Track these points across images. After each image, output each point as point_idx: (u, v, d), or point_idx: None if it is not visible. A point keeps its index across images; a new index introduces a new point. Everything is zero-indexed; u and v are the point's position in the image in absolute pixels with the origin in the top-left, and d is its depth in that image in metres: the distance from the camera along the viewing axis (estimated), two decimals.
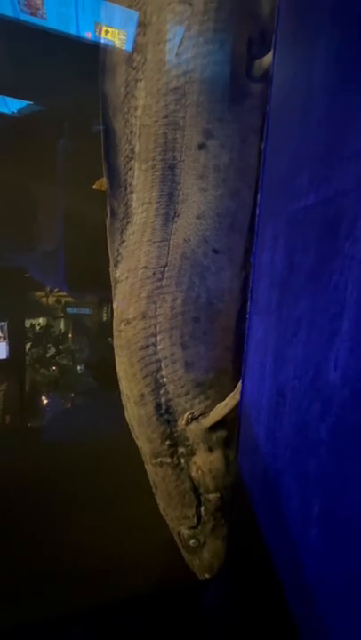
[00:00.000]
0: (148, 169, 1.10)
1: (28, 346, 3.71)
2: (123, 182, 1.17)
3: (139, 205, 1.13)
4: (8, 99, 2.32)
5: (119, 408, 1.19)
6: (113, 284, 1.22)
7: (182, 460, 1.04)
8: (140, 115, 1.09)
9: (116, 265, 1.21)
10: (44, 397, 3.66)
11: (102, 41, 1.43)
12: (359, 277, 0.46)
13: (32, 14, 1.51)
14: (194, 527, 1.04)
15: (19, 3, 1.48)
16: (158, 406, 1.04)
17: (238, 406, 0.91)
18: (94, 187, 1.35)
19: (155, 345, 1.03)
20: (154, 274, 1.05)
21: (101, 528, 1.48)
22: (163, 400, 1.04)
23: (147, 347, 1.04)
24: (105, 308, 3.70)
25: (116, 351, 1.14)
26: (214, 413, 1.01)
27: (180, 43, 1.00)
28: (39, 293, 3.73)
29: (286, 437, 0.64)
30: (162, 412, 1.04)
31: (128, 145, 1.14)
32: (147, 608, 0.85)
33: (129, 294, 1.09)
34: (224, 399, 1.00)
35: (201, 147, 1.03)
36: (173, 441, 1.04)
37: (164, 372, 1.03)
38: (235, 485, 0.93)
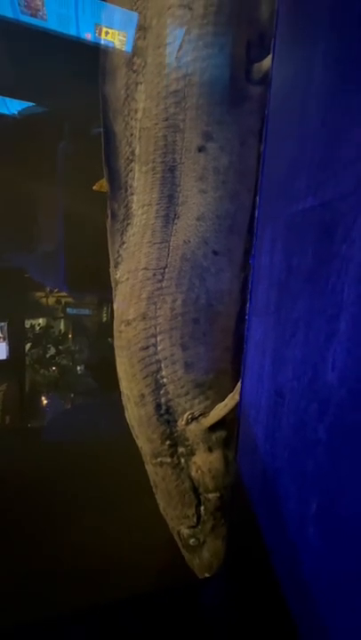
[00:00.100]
0: (148, 171, 1.11)
1: (27, 346, 3.71)
2: (123, 184, 1.18)
3: (139, 207, 1.14)
4: (8, 100, 2.32)
5: (119, 408, 1.20)
6: (113, 285, 1.23)
7: (182, 460, 1.05)
8: (141, 117, 1.10)
9: (116, 266, 1.22)
10: (43, 398, 3.66)
11: (102, 42, 1.44)
12: (356, 279, 0.47)
13: (32, 15, 1.52)
14: (194, 526, 1.05)
15: (19, 4, 1.49)
16: (158, 406, 1.05)
17: (238, 407, 0.92)
18: (94, 188, 1.36)
19: (155, 346, 1.04)
20: (154, 275, 1.06)
21: (101, 528, 1.48)
22: (163, 400, 1.04)
23: (147, 347, 1.04)
24: (105, 308, 3.71)
25: (117, 352, 1.14)
26: (214, 414, 1.01)
27: (180, 46, 1.01)
28: (39, 294, 3.73)
29: (285, 437, 0.64)
30: (162, 412, 1.05)
31: (128, 147, 1.15)
32: (147, 607, 0.85)
33: (129, 295, 1.10)
34: (224, 400, 1.01)
35: (201, 149, 1.04)
36: (173, 441, 1.05)
37: (164, 373, 1.04)
38: (234, 485, 0.93)
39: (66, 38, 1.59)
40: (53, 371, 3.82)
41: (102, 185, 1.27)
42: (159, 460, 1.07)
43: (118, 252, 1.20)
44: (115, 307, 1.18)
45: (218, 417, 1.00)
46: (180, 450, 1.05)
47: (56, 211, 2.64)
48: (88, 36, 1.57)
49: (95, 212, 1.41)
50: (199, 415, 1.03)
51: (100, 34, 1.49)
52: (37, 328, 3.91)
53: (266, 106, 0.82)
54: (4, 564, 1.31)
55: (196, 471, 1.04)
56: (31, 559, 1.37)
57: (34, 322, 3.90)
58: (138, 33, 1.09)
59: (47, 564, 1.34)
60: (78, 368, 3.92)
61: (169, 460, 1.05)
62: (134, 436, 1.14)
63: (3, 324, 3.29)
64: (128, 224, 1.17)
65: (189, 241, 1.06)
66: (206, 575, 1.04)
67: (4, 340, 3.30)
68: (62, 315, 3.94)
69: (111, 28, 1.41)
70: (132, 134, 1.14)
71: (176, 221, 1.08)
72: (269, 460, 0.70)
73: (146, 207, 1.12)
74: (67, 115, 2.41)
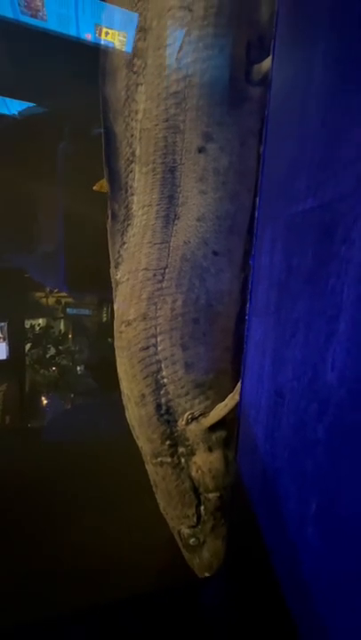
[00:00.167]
0: (148, 172, 1.11)
1: (27, 346, 3.71)
2: (123, 185, 1.18)
3: (139, 208, 1.14)
4: (8, 100, 2.32)
5: (119, 408, 1.20)
6: (114, 285, 1.23)
7: (182, 460, 1.05)
8: (141, 118, 1.10)
9: (116, 267, 1.22)
10: (43, 398, 3.66)
11: (102, 43, 1.44)
12: (356, 280, 0.47)
13: (32, 16, 1.52)
14: (194, 526, 1.05)
15: (19, 4, 1.49)
16: (159, 406, 1.05)
17: (238, 407, 0.92)
18: (95, 188, 1.37)
19: (155, 346, 1.04)
20: (154, 275, 1.06)
21: (101, 528, 1.48)
22: (163, 400, 1.05)
23: (147, 348, 1.05)
24: (105, 308, 3.71)
25: (117, 352, 1.15)
26: (214, 414, 1.02)
27: (180, 47, 1.01)
28: (39, 294, 3.73)
29: (285, 437, 0.64)
30: (162, 412, 1.05)
31: (129, 148, 1.15)
32: (147, 607, 0.86)
33: (129, 296, 1.10)
34: (224, 400, 1.01)
35: (201, 150, 1.04)
36: (173, 441, 1.05)
37: (164, 373, 1.04)
38: (234, 485, 0.94)
39: (66, 39, 1.59)
40: (53, 371, 3.82)
41: (102, 185, 1.28)
42: (159, 459, 1.07)
43: (119, 252, 1.21)
44: (115, 307, 1.18)
45: (218, 417, 1.00)
46: (181, 450, 1.05)
47: (56, 211, 2.65)
48: (88, 37, 1.57)
49: (95, 212, 1.41)
50: (199, 415, 1.03)
51: (100, 34, 1.49)
52: (37, 328, 3.91)
53: (266, 107, 0.82)
54: (4, 564, 1.31)
55: (197, 471, 1.04)
56: (31, 559, 1.37)
57: (34, 322, 3.90)
58: (138, 34, 1.09)
59: (47, 564, 1.34)
60: (78, 368, 3.92)
61: (169, 459, 1.06)
62: (135, 436, 1.15)
63: (3, 324, 3.29)
64: (128, 225, 1.18)
65: (189, 241, 1.06)
66: (206, 575, 1.05)
67: (4, 340, 3.30)
68: (62, 315, 3.94)
69: (111, 29, 1.42)
70: (132, 135, 1.14)
71: (176, 222, 1.08)
72: (269, 459, 0.70)
73: (146, 208, 1.12)
74: (67, 115, 2.41)
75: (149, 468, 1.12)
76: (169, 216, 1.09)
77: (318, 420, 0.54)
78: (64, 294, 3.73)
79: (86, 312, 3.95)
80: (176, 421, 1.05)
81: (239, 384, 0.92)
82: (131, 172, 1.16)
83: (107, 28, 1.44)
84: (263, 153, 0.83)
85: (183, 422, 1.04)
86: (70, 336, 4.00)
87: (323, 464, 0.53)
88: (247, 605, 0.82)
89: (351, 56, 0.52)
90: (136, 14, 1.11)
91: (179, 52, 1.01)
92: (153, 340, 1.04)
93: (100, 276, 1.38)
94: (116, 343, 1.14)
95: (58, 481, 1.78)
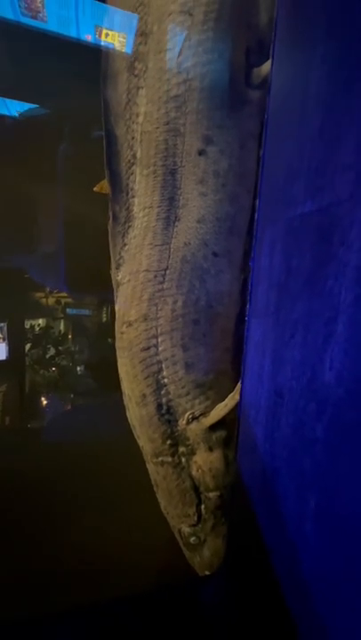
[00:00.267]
0: (149, 174, 1.12)
1: (27, 347, 3.71)
2: (124, 187, 1.19)
3: (140, 210, 1.15)
4: (8, 100, 2.33)
5: (119, 408, 1.21)
6: (115, 286, 1.24)
7: (183, 460, 1.06)
8: (142, 121, 1.11)
9: (117, 268, 1.23)
10: (43, 398, 3.66)
11: (102, 44, 1.45)
12: (353, 282, 0.48)
13: (32, 17, 1.52)
14: (194, 525, 1.06)
15: (19, 6, 1.50)
16: (159, 406, 1.06)
17: (238, 406, 0.93)
18: (95, 189, 1.37)
19: (156, 346, 1.05)
20: (155, 277, 1.07)
21: (101, 528, 1.48)
22: (164, 400, 1.05)
23: (148, 348, 1.06)
24: (104, 309, 3.71)
25: (118, 353, 1.15)
26: (214, 413, 1.02)
27: (181, 52, 1.02)
28: (39, 294, 3.73)
29: (284, 437, 0.65)
30: (163, 412, 1.06)
31: (130, 151, 1.16)
32: (147, 605, 0.86)
33: (130, 297, 1.11)
34: (224, 400, 1.02)
35: (201, 153, 1.05)
36: (174, 440, 1.06)
37: (165, 373, 1.05)
38: (234, 484, 0.94)
39: (66, 40, 1.60)
40: (53, 371, 3.82)
41: (103, 186, 1.28)
42: (160, 459, 1.08)
43: (120, 253, 1.21)
44: (116, 308, 1.19)
45: (218, 417, 1.01)
46: (181, 449, 1.06)
47: (56, 211, 2.65)
48: (88, 38, 1.57)
49: (95, 213, 1.42)
50: (200, 415, 1.04)
51: (100, 35, 1.50)
52: (37, 328, 3.91)
53: (265, 110, 0.83)
54: (4, 564, 1.32)
55: (197, 470, 1.05)
56: (31, 559, 1.37)
57: (34, 322, 3.90)
58: (139, 38, 1.10)
59: (47, 564, 1.34)
60: (78, 368, 3.92)
61: (170, 459, 1.06)
62: (136, 436, 1.15)
63: (2, 324, 3.29)
64: (129, 226, 1.19)
65: (190, 243, 1.07)
66: (207, 573, 1.05)
67: (4, 340, 3.30)
68: (62, 315, 3.94)
69: (111, 30, 1.42)
70: (133, 138, 1.15)
71: (177, 224, 1.09)
72: (269, 459, 0.71)
73: (147, 210, 1.13)
74: (67, 115, 2.42)
75: (150, 467, 1.13)
76: (169, 218, 1.10)
77: (317, 419, 0.55)
78: (64, 294, 3.73)
79: (86, 312, 3.95)
80: (177, 421, 1.06)
81: (239, 384, 0.93)
82: (132, 174, 1.17)
83: (107, 29, 1.45)
84: (263, 156, 0.84)
85: (184, 422, 1.05)
86: (70, 336, 4.00)
87: (321, 463, 0.54)
88: (247, 603, 0.82)
89: (350, 60, 0.53)
90: (136, 16, 1.12)
91: (179, 55, 1.02)
92: (154, 341, 1.05)
93: (100, 277, 1.39)
94: (118, 344, 1.15)
95: (58, 481, 1.78)
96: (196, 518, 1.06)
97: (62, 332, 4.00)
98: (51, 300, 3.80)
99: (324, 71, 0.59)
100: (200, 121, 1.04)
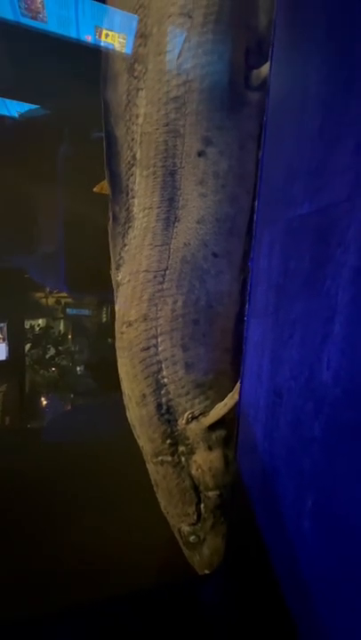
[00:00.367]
0: (149, 175, 1.12)
1: (27, 347, 3.72)
2: (124, 188, 1.20)
3: (140, 210, 1.16)
4: (8, 101, 2.34)
5: (119, 408, 1.21)
6: (115, 286, 1.25)
7: (183, 459, 1.07)
8: (142, 122, 1.12)
9: (118, 268, 1.23)
10: (43, 398, 3.67)
11: (102, 44, 1.46)
12: (350, 283, 0.49)
13: (32, 18, 1.52)
14: (194, 524, 1.07)
15: (19, 6, 1.50)
16: (159, 406, 1.06)
17: (237, 406, 0.93)
18: (95, 189, 1.38)
19: (156, 346, 1.05)
20: (155, 277, 1.08)
21: (101, 528, 1.49)
22: (163, 400, 1.06)
23: (148, 348, 1.06)
24: (104, 309, 3.72)
25: (118, 353, 1.16)
26: (214, 413, 1.03)
27: (180, 53, 1.03)
28: (39, 294, 3.74)
29: (283, 436, 0.66)
30: (163, 411, 1.06)
31: (129, 152, 1.17)
32: (147, 604, 0.86)
33: (130, 297, 1.11)
34: (223, 399, 1.02)
35: (200, 154, 1.06)
36: (174, 440, 1.07)
37: (164, 373, 1.05)
38: (234, 483, 0.95)
39: (66, 40, 1.60)
40: (53, 371, 3.82)
41: (103, 187, 1.29)
42: (160, 458, 1.08)
43: (120, 254, 1.22)
44: (116, 308, 1.20)
45: (218, 416, 1.02)
46: (181, 449, 1.07)
47: (56, 212, 2.66)
48: (88, 38, 1.58)
49: (95, 213, 1.42)
50: (199, 414, 1.05)
51: (100, 36, 1.50)
52: (37, 328, 3.91)
53: (264, 111, 0.83)
54: (4, 564, 1.32)
55: (197, 470, 1.05)
56: (31, 559, 1.37)
57: (34, 322, 3.91)
58: (139, 40, 1.11)
59: (47, 564, 1.34)
60: (78, 369, 3.92)
61: (170, 458, 1.07)
62: (136, 436, 1.16)
63: (2, 324, 3.29)
64: (129, 227, 1.19)
65: (190, 243, 1.07)
66: (206, 572, 1.06)
67: (4, 340, 3.31)
68: (62, 315, 3.95)
69: (111, 31, 1.43)
70: (133, 139, 1.15)
71: (176, 224, 1.10)
72: (268, 458, 0.72)
73: (147, 210, 1.14)
74: (67, 116, 2.42)
75: (150, 466, 1.14)
76: (169, 218, 1.10)
77: (315, 418, 0.55)
78: (64, 295, 3.73)
79: (86, 312, 3.95)
80: (176, 421, 1.06)
81: (238, 384, 0.93)
82: (132, 175, 1.17)
83: (107, 29, 1.45)
84: (262, 157, 0.85)
85: (183, 421, 1.05)
86: (70, 336, 4.00)
87: (319, 461, 0.54)
88: (246, 602, 0.83)
89: (349, 61, 0.53)
90: (136, 17, 1.12)
91: (179, 57, 1.03)
92: (154, 341, 1.06)
93: (100, 277, 1.39)
94: (118, 344, 1.15)
95: (58, 481, 1.79)
96: (195, 517, 1.06)
97: (62, 332, 4.01)
98: (51, 300, 3.80)
99: (322, 72, 0.60)
100: (200, 122, 1.05)
